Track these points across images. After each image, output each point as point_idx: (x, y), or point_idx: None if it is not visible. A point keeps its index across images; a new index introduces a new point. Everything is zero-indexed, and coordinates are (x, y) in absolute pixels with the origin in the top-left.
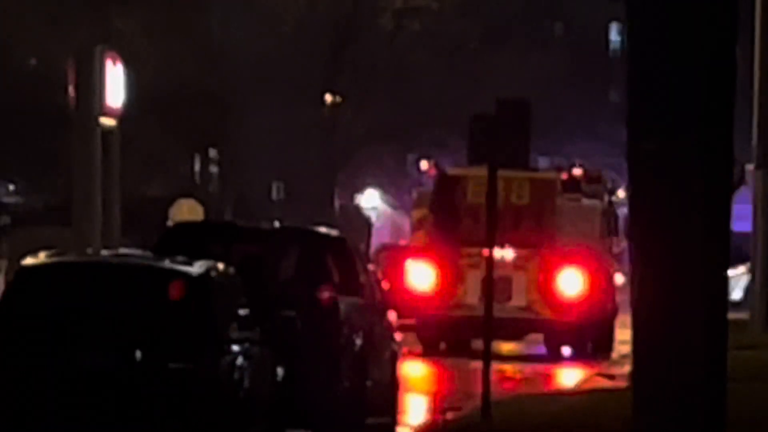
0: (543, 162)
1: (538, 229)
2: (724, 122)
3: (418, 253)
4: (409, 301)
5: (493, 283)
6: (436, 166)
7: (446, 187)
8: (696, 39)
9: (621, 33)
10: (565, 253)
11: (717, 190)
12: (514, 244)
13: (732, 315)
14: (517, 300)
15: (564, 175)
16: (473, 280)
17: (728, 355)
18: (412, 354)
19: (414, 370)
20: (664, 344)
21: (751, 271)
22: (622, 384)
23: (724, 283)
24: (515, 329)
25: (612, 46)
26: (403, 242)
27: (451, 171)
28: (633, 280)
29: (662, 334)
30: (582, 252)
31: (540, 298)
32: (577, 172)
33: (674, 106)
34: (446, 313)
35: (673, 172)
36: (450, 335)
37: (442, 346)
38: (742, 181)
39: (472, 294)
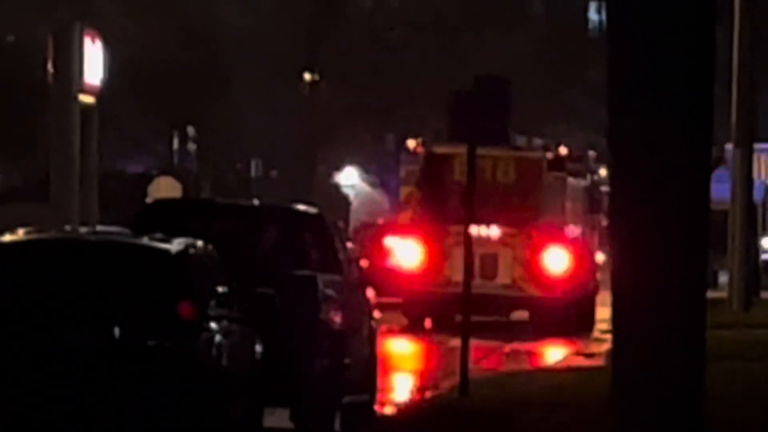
0: (520, 141)
1: (523, 207)
2: (704, 100)
3: (405, 230)
4: (395, 279)
5: (479, 261)
6: (424, 144)
7: (433, 165)
8: (676, 17)
9: (600, 11)
10: (550, 231)
11: (696, 168)
12: (500, 222)
13: (709, 294)
14: (503, 277)
15: (549, 154)
16: (459, 258)
17: (707, 334)
18: (392, 332)
19: (394, 348)
20: (643, 323)
21: (730, 249)
22: (601, 362)
23: (703, 262)
24: (500, 306)
25: (591, 24)
26: (381, 220)
27: (438, 149)
28: (613, 258)
29: (641, 312)
30: (566, 230)
31: (525, 275)
32: (562, 151)
33: (654, 84)
34: (432, 291)
35: (653, 149)
36: (436, 313)
37: (428, 323)
38: (721, 159)
39: (458, 271)
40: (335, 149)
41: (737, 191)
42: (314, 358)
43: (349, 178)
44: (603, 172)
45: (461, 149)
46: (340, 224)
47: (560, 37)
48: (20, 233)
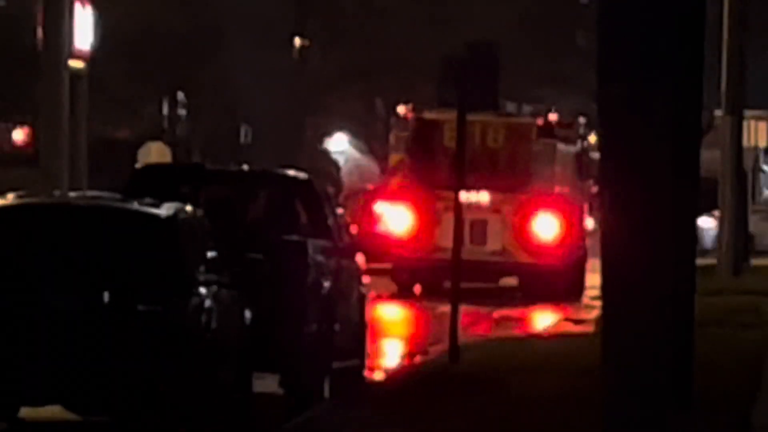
0: (510, 107)
1: (514, 173)
2: (694, 66)
3: (395, 196)
4: (384, 245)
5: (469, 227)
6: (414, 110)
7: (423, 131)
8: None
9: None
10: (540, 197)
11: (686, 133)
12: (490, 188)
13: (700, 260)
14: (493, 243)
15: (539, 121)
16: (449, 224)
17: (696, 300)
18: (382, 297)
19: (384, 314)
20: (632, 289)
21: (720, 215)
22: (591, 329)
23: (693, 227)
24: (490, 272)
25: None
26: (370, 186)
27: (428, 115)
28: (603, 224)
29: (631, 278)
30: (557, 196)
31: (515, 241)
32: (552, 117)
33: (644, 50)
34: (422, 257)
35: (643, 115)
36: (426, 279)
37: (417, 289)
38: (710, 126)
39: (447, 237)
40: (325, 115)
41: (727, 158)
42: (303, 323)
43: (339, 144)
44: (593, 138)
45: (451, 115)
46: (330, 190)
47: (549, 2)
48: (9, 197)
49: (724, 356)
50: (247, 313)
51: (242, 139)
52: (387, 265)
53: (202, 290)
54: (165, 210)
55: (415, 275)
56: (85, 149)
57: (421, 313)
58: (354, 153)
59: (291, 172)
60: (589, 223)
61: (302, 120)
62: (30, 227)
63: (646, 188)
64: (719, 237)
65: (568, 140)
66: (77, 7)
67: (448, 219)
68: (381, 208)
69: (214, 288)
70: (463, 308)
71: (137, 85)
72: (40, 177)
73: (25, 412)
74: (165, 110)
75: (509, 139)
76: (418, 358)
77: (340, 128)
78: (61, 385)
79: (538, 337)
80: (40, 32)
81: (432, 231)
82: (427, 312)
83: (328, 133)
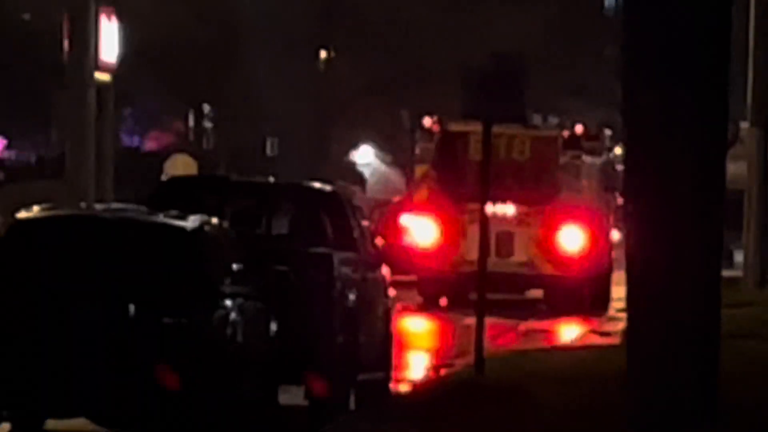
0: (536, 119)
1: (540, 185)
2: (719, 77)
3: (420, 208)
4: (410, 257)
5: (495, 239)
6: (439, 122)
7: (449, 143)
8: None
9: None
10: (566, 209)
11: (712, 145)
12: (516, 200)
13: (726, 273)
14: (519, 255)
15: (566, 133)
16: (475, 236)
17: (721, 313)
18: (407, 310)
19: (410, 326)
20: (658, 301)
21: (745, 227)
22: (616, 341)
23: (718, 239)
24: (516, 284)
25: (607, 2)
26: (396, 198)
27: (454, 127)
28: (628, 236)
29: (656, 291)
30: (583, 208)
31: (541, 253)
32: (578, 129)
33: (670, 60)
34: (448, 269)
35: (668, 126)
36: (451, 291)
37: (443, 301)
38: (736, 139)
39: (473, 249)
40: (350, 127)
41: (753, 170)
42: (329, 335)
43: (365, 156)
44: (618, 150)
45: (477, 127)
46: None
47: (575, 14)
48: (35, 210)
49: (749, 369)
50: (273, 326)
51: (268, 151)
52: (413, 277)
53: (228, 302)
54: (191, 222)
55: (440, 287)
56: (111, 161)
57: (447, 325)
58: (380, 165)
59: (317, 184)
60: (615, 235)
61: (328, 132)
62: (56, 239)
63: (671, 200)
64: (745, 249)
65: (593, 152)
66: (103, 20)
67: (474, 231)
68: (407, 220)
69: (240, 300)
70: (489, 320)
71: (163, 98)
72: (65, 189)
73: (51, 424)
74: (191, 122)
75: (535, 151)
76: (443, 371)
77: (366, 140)
78: (86, 396)
79: (563, 349)
80: (65, 44)
81: (458, 243)
82: (452, 324)
83: (354, 144)
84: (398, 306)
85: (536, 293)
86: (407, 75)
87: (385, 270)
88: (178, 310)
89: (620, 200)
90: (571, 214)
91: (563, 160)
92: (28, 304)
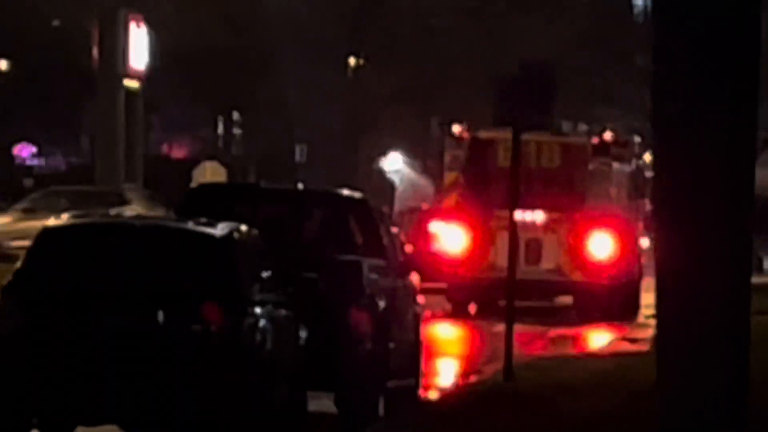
0: (566, 126)
1: (568, 192)
2: (749, 85)
3: (450, 215)
4: (439, 264)
5: (524, 246)
6: (469, 129)
7: (478, 150)
8: (721, 1)
9: None
10: (595, 216)
11: (741, 152)
12: (545, 207)
13: (756, 279)
14: (547, 262)
15: (595, 140)
16: (504, 243)
17: (751, 320)
18: (436, 317)
19: (439, 333)
20: (687, 308)
21: None
22: (646, 348)
23: (748, 247)
24: (545, 291)
25: (636, 9)
26: (425, 206)
27: (483, 134)
28: (657, 243)
29: (686, 297)
30: (612, 215)
31: (570, 260)
32: (607, 136)
33: (698, 68)
34: (477, 276)
35: (697, 134)
36: (480, 298)
37: (472, 308)
38: (766, 145)
39: (502, 256)
40: (380, 134)
41: None
42: (358, 343)
43: (394, 164)
44: (647, 157)
45: (506, 134)
46: (385, 209)
47: (605, 22)
48: (65, 217)
49: None
50: (302, 333)
51: (297, 158)
52: (442, 285)
53: (257, 309)
54: (220, 230)
55: (469, 294)
56: (140, 168)
57: (476, 332)
58: (409, 172)
59: (346, 192)
60: (644, 242)
61: (357, 139)
62: (86, 247)
63: (700, 207)
64: None
65: (623, 159)
66: (132, 27)
67: (503, 238)
68: (436, 227)
69: (269, 307)
70: (518, 327)
71: (192, 105)
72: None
73: (80, 431)
74: (220, 130)
75: (564, 158)
76: (472, 377)
77: (395, 147)
78: (116, 404)
79: (593, 356)
80: (95, 51)
81: (487, 250)
82: (481, 331)
83: (383, 152)
84: (427, 313)
85: (565, 300)
86: (436, 82)
87: (414, 277)
88: (208, 318)
89: (649, 207)
90: (600, 221)
91: (592, 167)
92: (58, 312)
